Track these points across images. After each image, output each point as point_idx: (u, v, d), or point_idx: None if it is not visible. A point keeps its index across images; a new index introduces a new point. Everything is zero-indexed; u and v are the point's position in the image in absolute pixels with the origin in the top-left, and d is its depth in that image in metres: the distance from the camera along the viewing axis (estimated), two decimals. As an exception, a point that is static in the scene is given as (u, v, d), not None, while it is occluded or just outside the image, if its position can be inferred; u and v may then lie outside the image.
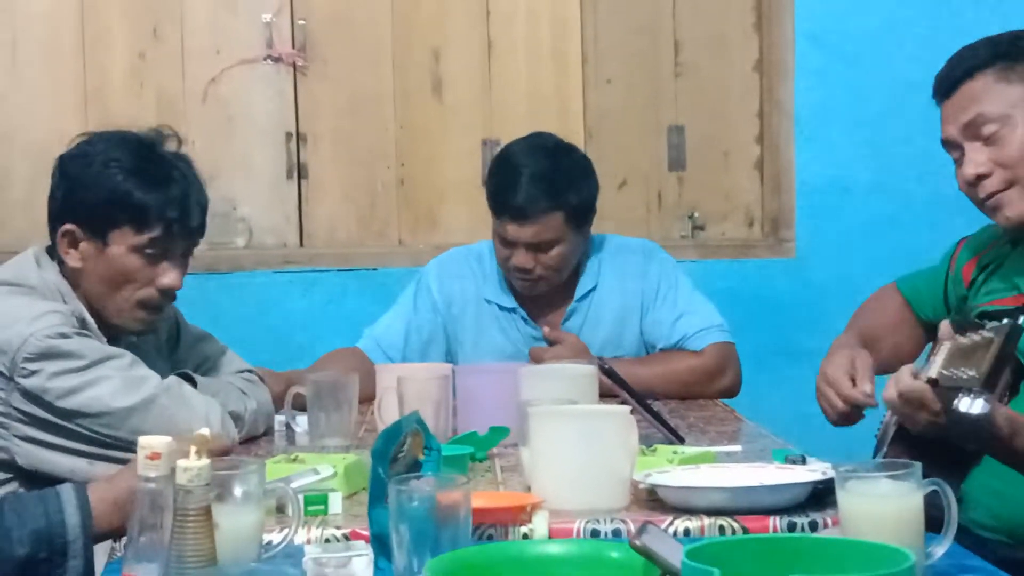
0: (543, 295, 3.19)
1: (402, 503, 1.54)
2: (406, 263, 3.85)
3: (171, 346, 2.72)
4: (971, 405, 1.88)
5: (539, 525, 1.83)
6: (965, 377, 1.91)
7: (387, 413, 2.46)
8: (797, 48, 4.03)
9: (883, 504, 1.60)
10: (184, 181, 2.48)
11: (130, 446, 1.89)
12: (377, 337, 3.21)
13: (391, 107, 4.08)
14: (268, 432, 2.66)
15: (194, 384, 2.47)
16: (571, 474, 1.94)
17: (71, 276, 2.45)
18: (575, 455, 1.95)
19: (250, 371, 2.74)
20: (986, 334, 1.99)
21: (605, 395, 2.63)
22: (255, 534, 1.66)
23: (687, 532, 1.84)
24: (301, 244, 4.09)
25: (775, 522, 1.83)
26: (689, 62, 4.13)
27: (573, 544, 1.67)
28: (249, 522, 1.65)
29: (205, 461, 1.50)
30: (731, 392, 3.13)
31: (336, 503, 1.94)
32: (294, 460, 2.11)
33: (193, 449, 1.50)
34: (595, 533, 1.84)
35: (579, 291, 3.21)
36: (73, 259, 2.44)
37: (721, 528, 1.83)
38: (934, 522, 1.63)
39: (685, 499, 1.90)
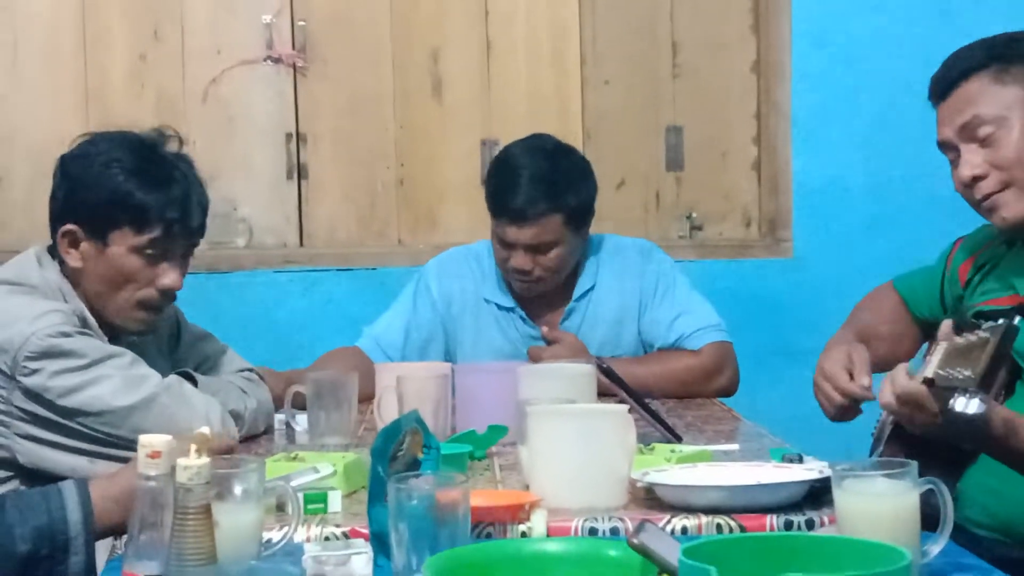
0: (542, 295, 3.20)
1: (401, 501, 1.54)
2: (406, 263, 3.86)
3: (172, 345, 2.73)
4: (967, 405, 1.89)
5: (537, 523, 1.83)
6: (961, 377, 1.92)
7: (386, 412, 2.47)
8: (795, 50, 4.04)
9: (879, 503, 1.61)
10: (185, 182, 2.48)
11: (131, 444, 1.89)
12: (376, 336, 3.21)
13: (391, 107, 4.09)
14: (268, 431, 2.67)
15: (194, 383, 2.48)
16: (569, 473, 1.95)
17: (72, 276, 2.46)
18: (573, 454, 1.96)
19: (250, 370, 2.75)
20: (982, 334, 2.00)
21: (603, 394, 2.64)
22: (255, 532, 1.67)
23: (684, 530, 1.84)
24: (301, 244, 4.10)
25: (772, 520, 1.84)
26: (687, 63, 4.14)
27: (571, 542, 1.66)
28: (249, 520, 1.65)
29: (205, 459, 1.50)
30: (728, 391, 3.14)
31: (335, 501, 1.94)
32: (294, 459, 2.12)
33: (193, 447, 1.51)
34: (593, 531, 1.84)
35: (577, 291, 3.21)
36: (73, 259, 2.45)
37: (718, 526, 1.84)
38: (930, 520, 1.63)
39: (683, 498, 1.91)
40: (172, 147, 2.54)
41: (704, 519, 1.85)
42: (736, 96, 4.15)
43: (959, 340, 2.02)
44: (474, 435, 2.34)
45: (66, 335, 2.31)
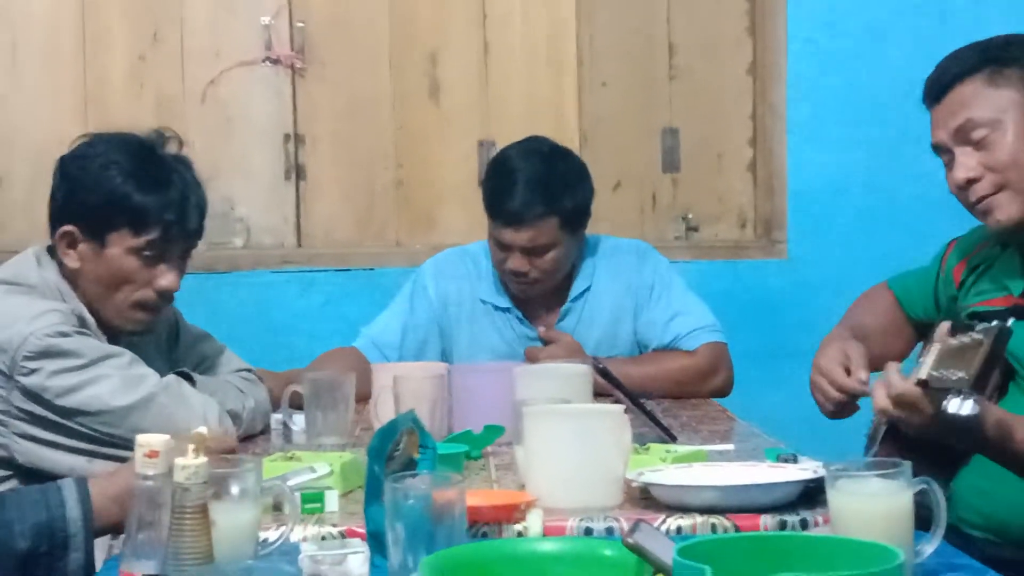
0: (538, 296, 3.21)
1: (398, 501, 1.55)
2: (403, 263, 3.86)
3: (170, 345, 2.73)
4: (960, 406, 1.90)
5: (533, 523, 1.84)
6: (955, 378, 1.93)
7: (383, 412, 2.47)
8: (790, 52, 4.04)
9: (873, 503, 1.61)
10: (183, 184, 2.48)
11: (129, 444, 1.89)
12: (373, 336, 3.22)
13: (389, 109, 4.10)
14: (265, 430, 2.67)
15: (193, 383, 2.48)
16: (565, 472, 1.95)
17: (70, 276, 2.46)
18: (569, 454, 1.96)
19: (248, 370, 2.75)
20: (976, 335, 2.01)
21: (599, 394, 2.65)
22: (252, 531, 1.67)
23: (679, 530, 1.85)
24: (299, 244, 4.10)
25: (766, 520, 1.85)
26: (683, 65, 4.14)
27: (567, 542, 1.67)
28: (246, 520, 1.65)
29: (202, 459, 1.50)
30: (723, 391, 3.15)
31: (332, 501, 1.95)
32: (291, 458, 2.12)
33: (191, 447, 1.51)
34: (588, 531, 1.85)
35: (573, 291, 3.22)
36: (71, 260, 2.45)
37: (713, 526, 1.85)
38: (923, 520, 1.64)
39: (678, 497, 1.91)
40: (171, 148, 2.54)
41: (699, 519, 1.86)
42: (732, 98, 4.16)
43: (952, 341, 2.03)
44: (470, 435, 2.34)
45: (64, 335, 2.32)
